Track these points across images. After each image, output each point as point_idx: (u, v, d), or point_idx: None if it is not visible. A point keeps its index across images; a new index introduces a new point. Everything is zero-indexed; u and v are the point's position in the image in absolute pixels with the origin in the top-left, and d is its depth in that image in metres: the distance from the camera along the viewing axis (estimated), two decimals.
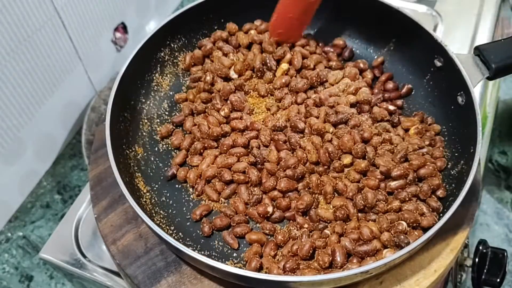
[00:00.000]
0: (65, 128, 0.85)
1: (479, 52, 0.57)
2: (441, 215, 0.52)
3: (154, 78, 0.66)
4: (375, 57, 0.68)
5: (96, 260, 0.63)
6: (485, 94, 0.81)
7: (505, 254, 0.61)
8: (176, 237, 0.54)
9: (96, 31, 0.83)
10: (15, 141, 0.73)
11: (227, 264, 0.52)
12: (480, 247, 0.62)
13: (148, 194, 0.57)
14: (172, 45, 0.68)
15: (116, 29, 0.88)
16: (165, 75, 0.68)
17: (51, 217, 0.80)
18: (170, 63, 0.68)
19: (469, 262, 0.63)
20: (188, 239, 0.54)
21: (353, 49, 0.69)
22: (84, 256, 0.63)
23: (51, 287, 0.74)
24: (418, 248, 0.48)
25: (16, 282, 0.74)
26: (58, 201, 0.81)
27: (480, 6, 0.88)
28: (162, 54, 0.67)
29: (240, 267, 0.51)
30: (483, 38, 0.84)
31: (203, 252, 0.53)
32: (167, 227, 0.55)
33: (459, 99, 0.57)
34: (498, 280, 0.59)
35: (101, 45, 0.85)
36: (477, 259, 0.61)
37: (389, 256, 0.45)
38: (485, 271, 0.60)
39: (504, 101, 1.00)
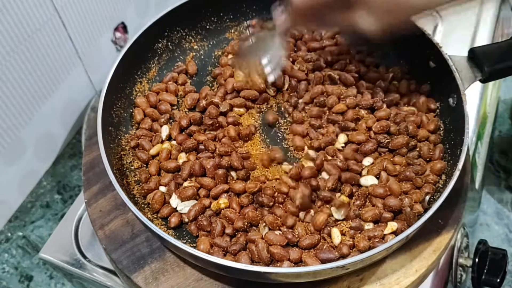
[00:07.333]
0: (65, 128, 0.85)
1: (473, 54, 0.57)
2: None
3: (151, 67, 0.68)
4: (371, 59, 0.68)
5: (96, 260, 0.63)
6: (485, 94, 0.81)
7: (505, 254, 0.61)
8: (160, 225, 0.55)
9: (96, 31, 0.83)
10: (15, 141, 0.73)
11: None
12: (480, 247, 0.62)
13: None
14: (171, 35, 0.69)
15: (116, 29, 0.88)
16: (161, 65, 0.69)
17: (51, 217, 0.80)
18: (167, 53, 0.70)
19: (469, 262, 0.63)
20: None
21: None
22: (84, 256, 0.63)
23: (51, 287, 0.74)
24: (395, 248, 0.48)
25: (16, 282, 0.74)
26: (58, 201, 0.81)
27: (480, 6, 0.88)
28: (160, 45, 0.68)
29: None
30: (483, 38, 0.84)
31: (185, 241, 0.54)
32: (154, 215, 0.56)
33: (451, 100, 0.58)
34: (498, 280, 0.59)
35: (101, 45, 0.85)
36: (477, 259, 0.61)
37: (366, 252, 0.45)
38: (485, 271, 0.60)
39: (504, 101, 1.00)
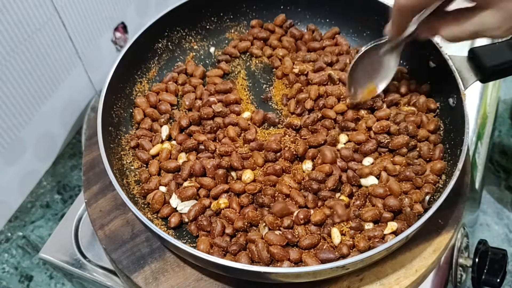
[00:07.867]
0: (65, 128, 0.85)
1: (473, 54, 0.57)
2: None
3: (151, 67, 0.68)
4: None
5: (96, 260, 0.63)
6: (485, 94, 0.81)
7: (505, 254, 0.61)
8: (160, 225, 0.55)
9: (96, 31, 0.83)
10: (15, 141, 0.73)
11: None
12: (480, 247, 0.62)
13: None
14: (171, 35, 0.69)
15: (116, 29, 0.88)
16: (161, 65, 0.69)
17: (51, 217, 0.80)
18: (167, 53, 0.70)
19: (469, 262, 0.63)
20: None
21: (350, 46, 0.70)
22: (84, 256, 0.63)
23: (51, 287, 0.74)
24: (395, 248, 0.48)
25: (16, 282, 0.74)
26: (58, 201, 0.81)
27: None
28: (160, 45, 0.69)
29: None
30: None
31: (185, 241, 0.54)
32: (154, 215, 0.56)
33: (451, 100, 0.58)
34: (498, 280, 0.59)
35: (101, 45, 0.85)
36: (477, 259, 0.61)
37: (366, 252, 0.45)
38: (485, 271, 0.60)
39: (504, 101, 1.00)
